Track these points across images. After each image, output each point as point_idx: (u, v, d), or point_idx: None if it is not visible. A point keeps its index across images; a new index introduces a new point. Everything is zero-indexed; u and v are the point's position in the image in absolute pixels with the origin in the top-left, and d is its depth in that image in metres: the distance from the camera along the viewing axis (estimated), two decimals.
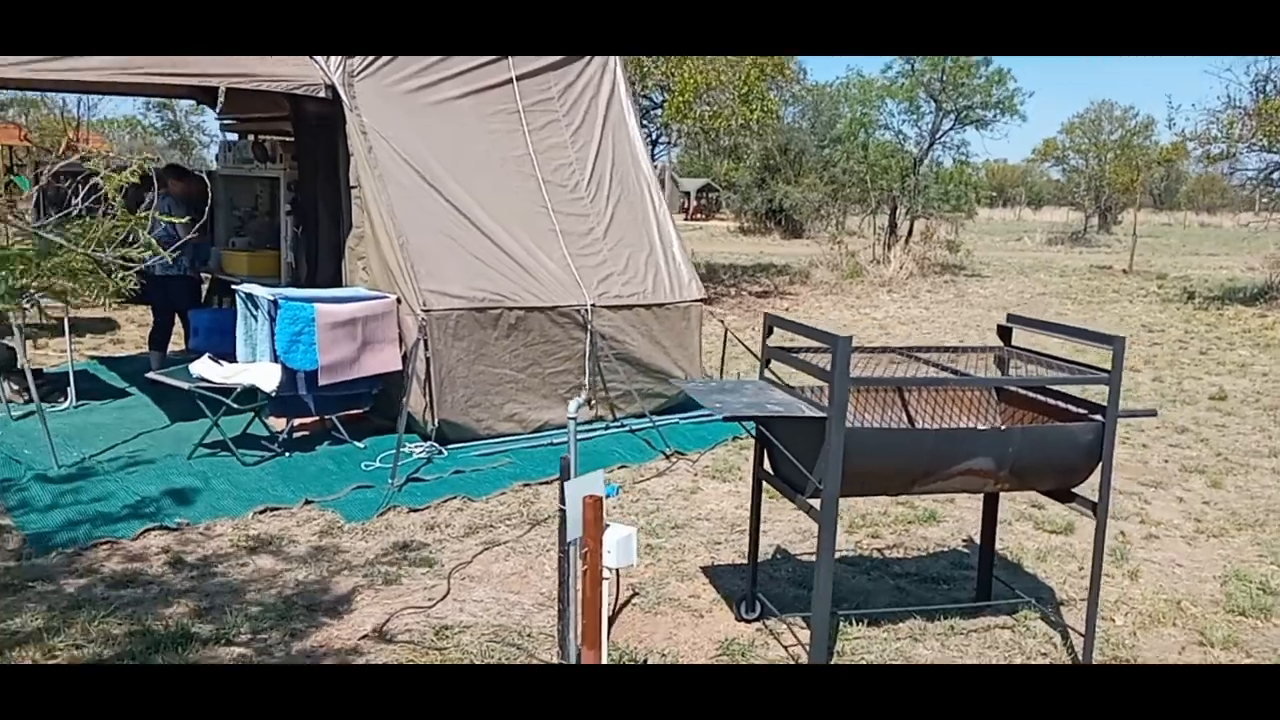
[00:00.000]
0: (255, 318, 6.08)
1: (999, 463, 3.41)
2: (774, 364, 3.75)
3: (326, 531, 4.81)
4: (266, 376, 5.75)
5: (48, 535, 4.58)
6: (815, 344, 3.51)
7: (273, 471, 5.64)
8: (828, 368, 3.20)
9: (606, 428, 6.73)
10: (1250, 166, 18.24)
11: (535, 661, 3.60)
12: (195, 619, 3.80)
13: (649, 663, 3.62)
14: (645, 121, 16.57)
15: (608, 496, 5.45)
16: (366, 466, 5.77)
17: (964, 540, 5.01)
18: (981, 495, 4.27)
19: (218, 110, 8.02)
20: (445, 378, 6.11)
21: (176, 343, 8.18)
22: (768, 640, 3.83)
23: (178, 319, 8.11)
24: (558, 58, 7.15)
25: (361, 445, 6.16)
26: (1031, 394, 3.85)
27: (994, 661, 3.73)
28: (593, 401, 6.23)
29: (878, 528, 5.13)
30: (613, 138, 7.38)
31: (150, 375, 6.30)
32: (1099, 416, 3.49)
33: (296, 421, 6.33)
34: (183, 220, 7.54)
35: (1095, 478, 3.52)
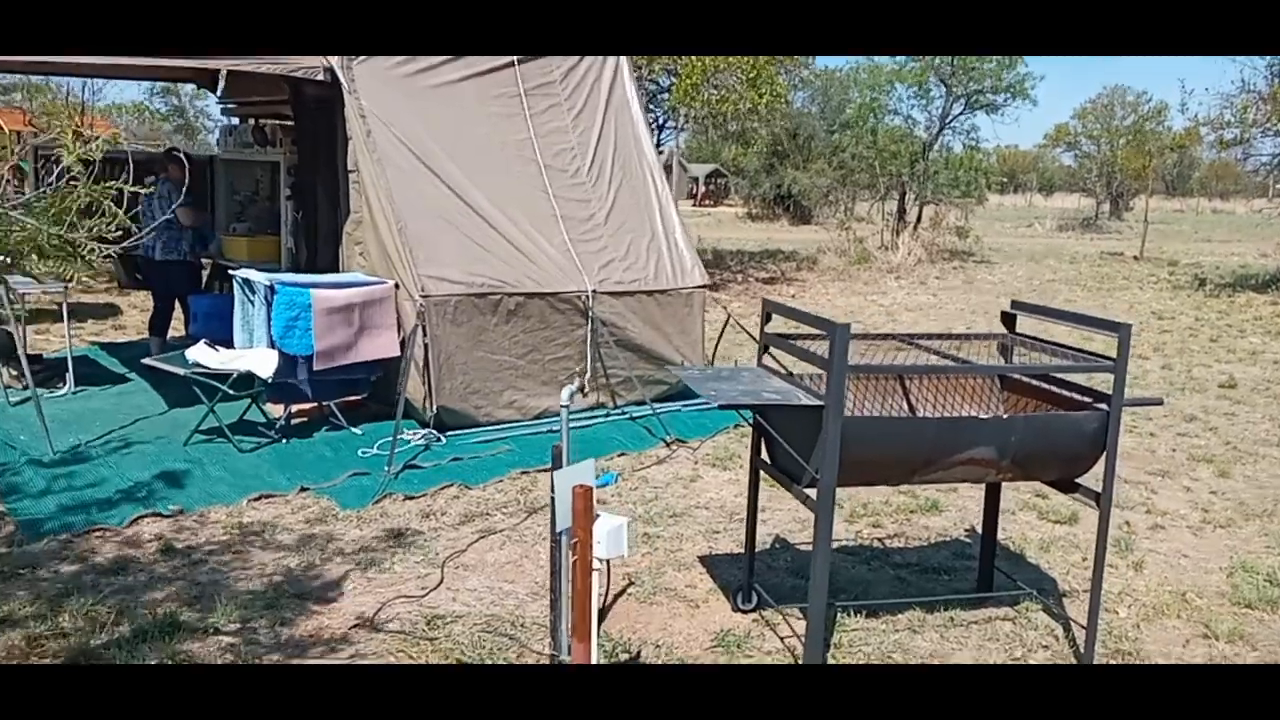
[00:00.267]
0: (252, 303, 6.03)
1: (1001, 452, 3.33)
2: (779, 352, 3.68)
3: (320, 519, 4.77)
4: (263, 362, 5.70)
5: (40, 522, 4.54)
6: (814, 331, 3.44)
7: (269, 458, 5.60)
8: (826, 355, 3.13)
9: (607, 415, 6.67)
10: (1264, 152, 18.05)
11: (527, 652, 3.55)
12: (184, 607, 3.76)
13: (642, 654, 3.56)
14: (652, 105, 16.47)
15: (605, 485, 5.43)
16: (363, 453, 5.72)
17: (966, 530, 4.94)
18: (984, 485, 4.20)
19: (219, 94, 7.96)
20: (444, 364, 6.05)
21: (177, 329, 8.15)
22: (764, 631, 3.77)
23: (178, 305, 8.08)
24: None
25: (359, 432, 6.12)
26: (1035, 382, 3.77)
27: (993, 653, 3.67)
28: (586, 389, 6.16)
29: (879, 517, 5.06)
30: (615, 122, 7.29)
31: (146, 361, 6.26)
32: (1104, 405, 3.41)
33: (294, 408, 6.29)
34: (180, 205, 7.56)
35: (1100, 467, 3.44)
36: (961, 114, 22.04)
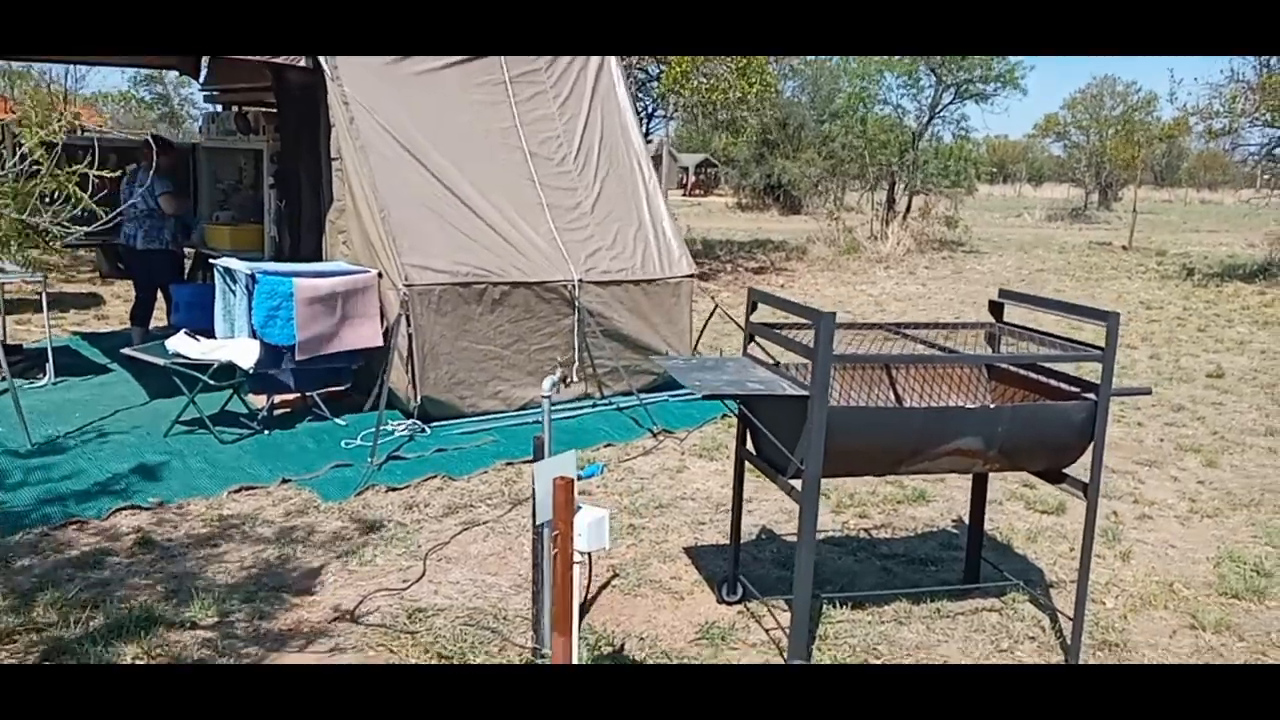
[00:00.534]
0: (234, 292, 5.95)
1: (988, 442, 3.30)
2: (768, 343, 3.63)
3: (302, 511, 4.71)
4: (244, 352, 5.63)
5: (16, 514, 4.47)
6: (800, 320, 3.39)
7: (250, 450, 5.54)
8: (811, 345, 3.09)
9: (594, 406, 6.63)
10: (1252, 142, 18.08)
11: (509, 645, 3.50)
12: (161, 600, 3.71)
13: (625, 647, 3.52)
14: (641, 94, 16.37)
15: (591, 476, 5.39)
16: (347, 445, 5.66)
17: (953, 520, 4.91)
18: (971, 475, 4.17)
19: (201, 80, 7.86)
20: (428, 354, 5.99)
21: (160, 319, 8.06)
22: (749, 624, 3.74)
23: (161, 294, 7.99)
24: None
25: (343, 423, 6.05)
26: (1023, 372, 3.73)
27: (980, 644, 3.64)
28: (569, 379, 6.11)
29: (866, 507, 5.03)
30: (601, 110, 7.22)
31: (125, 351, 6.18)
32: (1092, 395, 3.38)
33: (277, 399, 6.22)
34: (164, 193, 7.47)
35: (1088, 457, 3.41)
36: (951, 103, 22.01)
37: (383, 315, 6.00)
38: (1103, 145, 38.02)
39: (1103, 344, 3.31)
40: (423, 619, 3.69)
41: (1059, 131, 42.90)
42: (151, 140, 8.08)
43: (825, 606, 3.84)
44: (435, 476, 5.23)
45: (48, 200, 2.66)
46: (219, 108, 8.86)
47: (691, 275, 7.10)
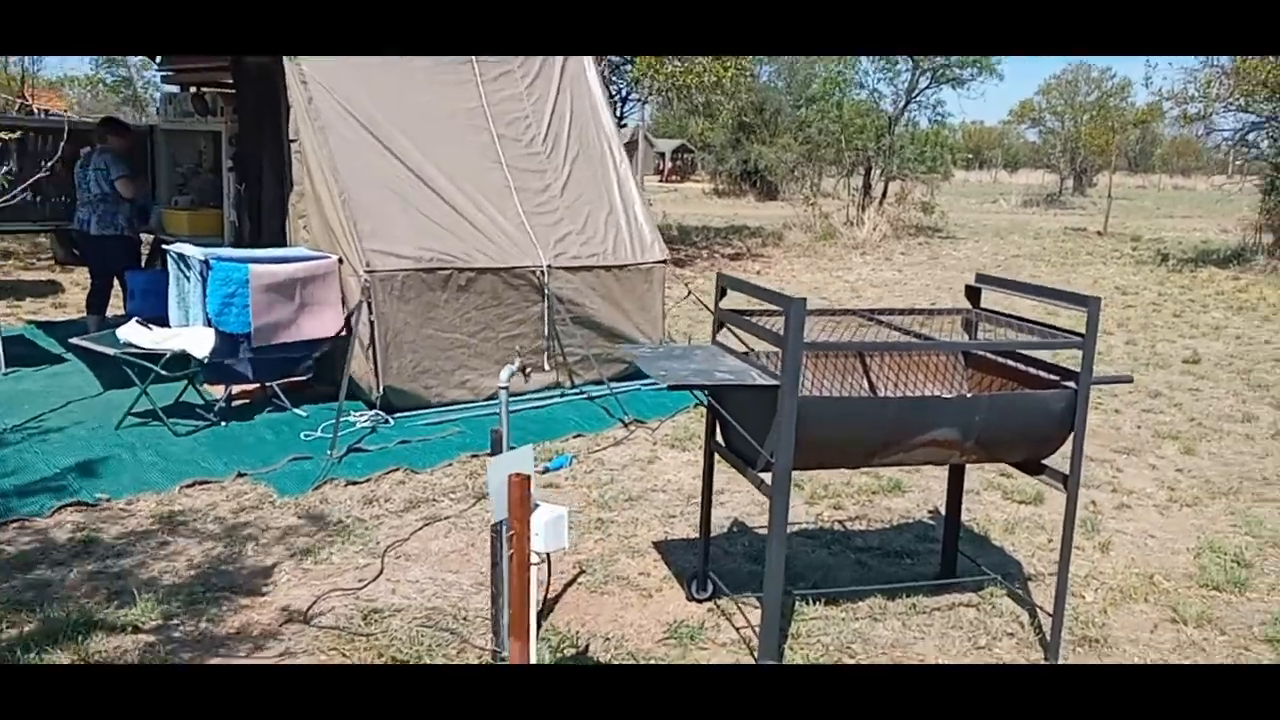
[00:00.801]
0: (188, 279, 5.74)
1: (965, 433, 3.17)
2: (742, 331, 3.48)
3: (256, 506, 4.53)
4: (198, 341, 5.42)
5: None
6: (771, 307, 3.25)
7: (206, 442, 5.34)
8: (781, 332, 2.94)
9: (563, 395, 6.47)
10: (1226, 127, 18.11)
11: (468, 647, 3.35)
12: (102, 603, 3.52)
13: (590, 648, 3.38)
14: (615, 77, 16.16)
15: (559, 468, 5.24)
16: (306, 436, 5.48)
17: (930, 511, 4.79)
18: (948, 466, 4.04)
19: (157, 61, 7.58)
20: (391, 342, 5.80)
21: (118, 307, 7.81)
22: (719, 622, 3.60)
23: (118, 282, 7.74)
24: None
25: (303, 414, 5.86)
26: (1000, 359, 3.61)
27: (956, 641, 3.52)
28: (529, 369, 5.94)
29: (840, 498, 4.91)
30: (571, 91, 7.04)
31: (75, 341, 5.96)
32: (1072, 383, 3.25)
33: (235, 389, 6.02)
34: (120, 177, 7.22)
35: (1067, 447, 3.29)
36: (928, 88, 21.93)
37: (344, 302, 5.81)
38: (1078, 131, 38.15)
39: (1082, 330, 3.19)
40: (378, 620, 3.53)
41: (1034, 117, 43.03)
42: (108, 122, 7.82)
43: (798, 603, 3.71)
44: (397, 469, 5.06)
45: None
46: (176, 88, 8.59)
47: (664, 261, 6.94)
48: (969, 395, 3.36)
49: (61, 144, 5.33)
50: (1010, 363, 3.57)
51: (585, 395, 6.48)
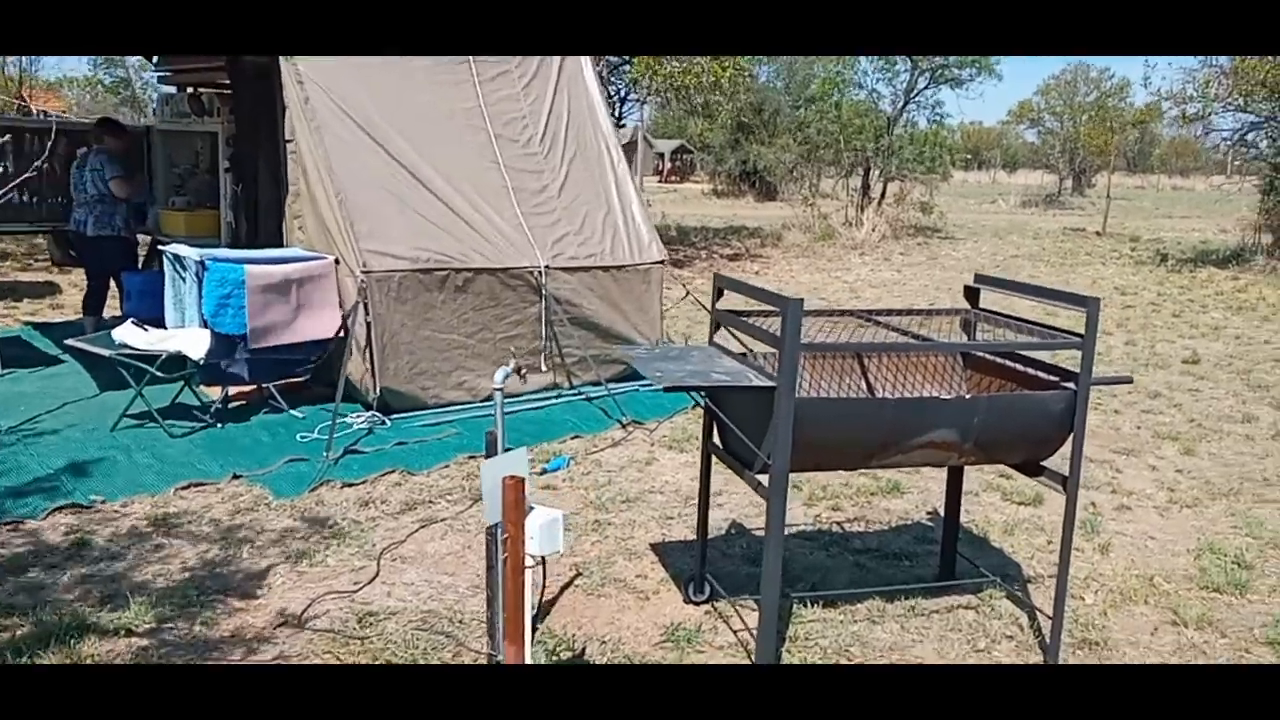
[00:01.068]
0: (184, 280, 5.71)
1: (963, 434, 3.15)
2: (741, 332, 3.46)
3: (251, 509, 4.50)
4: (194, 343, 5.40)
5: None
6: (769, 308, 3.23)
7: (201, 444, 5.32)
8: (778, 333, 2.92)
9: (559, 396, 6.44)
10: (1225, 127, 18.09)
11: (464, 651, 3.32)
12: (95, 606, 3.50)
13: (586, 651, 3.36)
14: (613, 78, 16.14)
15: (557, 469, 5.22)
16: (303, 438, 5.45)
17: (929, 513, 4.77)
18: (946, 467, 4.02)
19: (154, 61, 7.56)
20: (388, 343, 5.78)
21: (115, 308, 7.79)
22: (716, 624, 3.58)
23: (115, 283, 7.72)
24: None
25: (300, 415, 5.84)
26: (999, 360, 3.59)
27: (955, 644, 3.50)
28: (524, 370, 5.91)
29: (839, 500, 4.88)
30: (568, 91, 7.02)
31: (70, 342, 5.93)
32: (1071, 384, 3.23)
33: (233, 390, 6.00)
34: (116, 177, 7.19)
35: (1067, 449, 3.27)
36: (926, 88, 21.90)
37: (341, 303, 5.79)
38: (1076, 131, 38.16)
39: (1081, 331, 3.17)
40: (373, 623, 3.50)
41: (1033, 118, 43.04)
42: (105, 123, 7.80)
43: (796, 606, 3.69)
44: (394, 471, 5.03)
45: None
46: (174, 89, 8.57)
47: (662, 261, 6.92)
48: (967, 396, 3.34)
49: (49, 144, 5.31)
50: (1009, 364, 3.55)
51: (583, 396, 6.45)
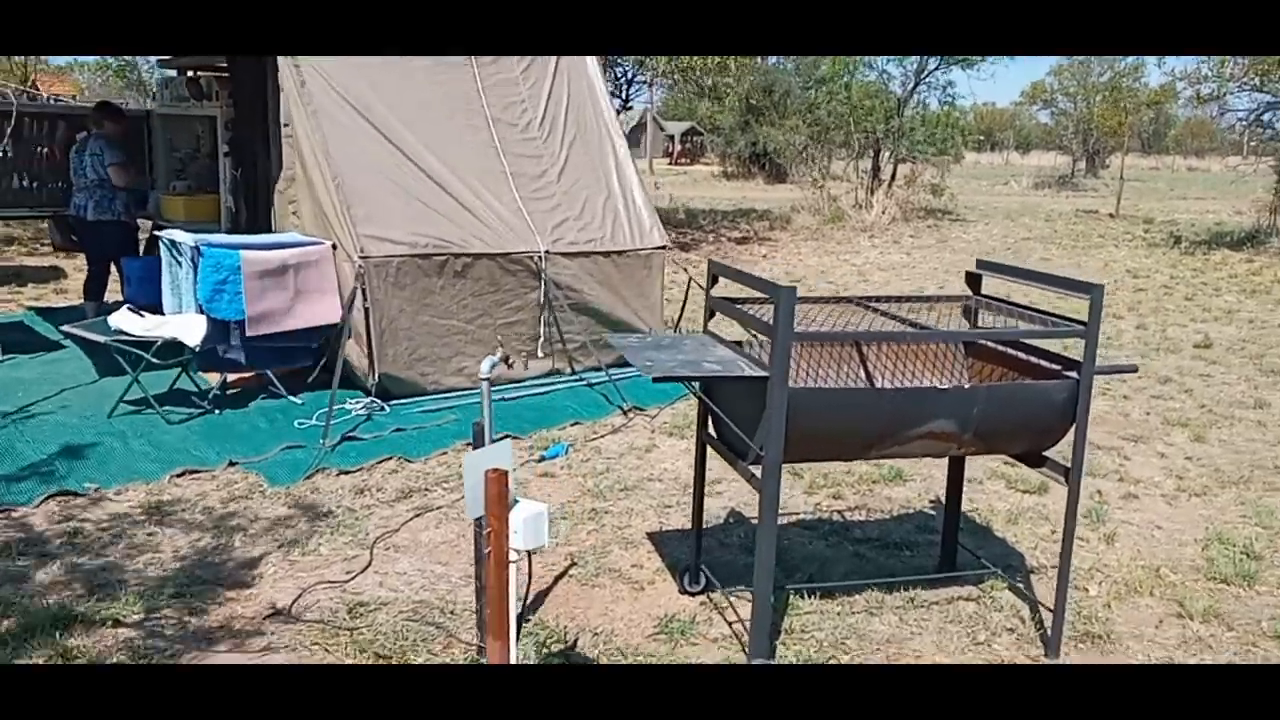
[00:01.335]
0: (180, 265, 5.67)
1: (963, 425, 3.07)
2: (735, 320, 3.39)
3: (246, 496, 4.47)
4: (189, 329, 5.36)
5: None
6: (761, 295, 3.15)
7: (198, 430, 5.28)
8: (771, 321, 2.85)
9: (560, 382, 6.38)
10: (1240, 108, 17.85)
11: (454, 642, 3.28)
12: (84, 596, 3.46)
13: (579, 643, 3.31)
14: (619, 59, 16.00)
15: (556, 456, 5.16)
16: (300, 424, 5.41)
17: (931, 501, 4.70)
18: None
19: None
20: (386, 329, 5.73)
21: (117, 292, 7.76)
22: (711, 616, 3.52)
23: (115, 268, 7.68)
24: None
25: (299, 401, 5.80)
26: (1002, 348, 3.51)
27: (955, 636, 3.43)
28: (510, 360, 5.85)
29: (840, 488, 4.82)
30: (568, 75, 6.92)
31: (65, 329, 5.90)
32: (1074, 373, 3.15)
33: (231, 376, 5.96)
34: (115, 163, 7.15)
35: (1070, 438, 3.19)
36: (937, 69, 21.64)
37: (340, 289, 5.73)
38: (1090, 112, 37.76)
39: (1085, 317, 3.09)
40: (364, 614, 3.46)
41: (1046, 99, 42.60)
42: (104, 107, 7.75)
43: (793, 597, 3.63)
44: (390, 458, 4.99)
45: None
46: (173, 72, 8.50)
47: (663, 246, 6.84)
48: (966, 386, 3.26)
49: (8, 129, 5.29)
50: (1012, 351, 3.47)
51: (585, 382, 6.40)
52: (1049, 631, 3.37)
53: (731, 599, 3.62)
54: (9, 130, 5.62)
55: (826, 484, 4.84)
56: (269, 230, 6.66)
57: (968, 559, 3.95)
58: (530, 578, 3.64)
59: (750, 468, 3.04)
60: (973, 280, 3.70)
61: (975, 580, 3.82)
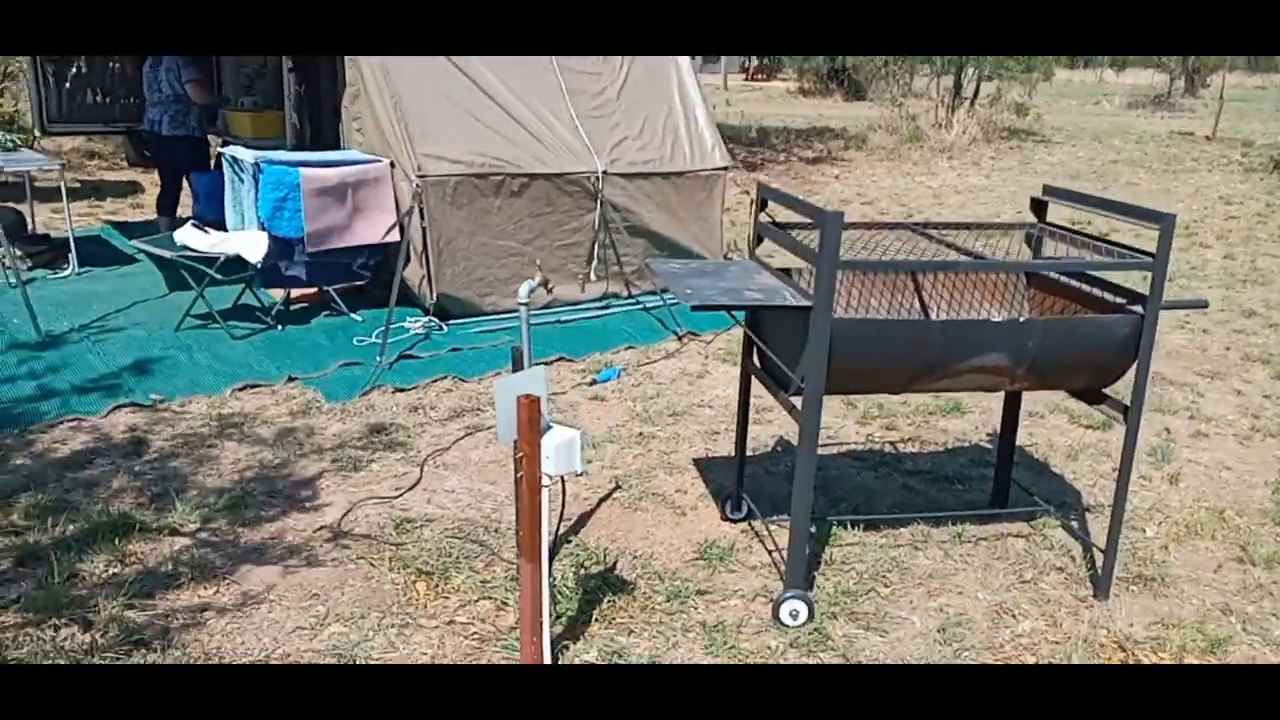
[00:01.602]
0: (242, 182, 5.73)
1: (1016, 359, 2.96)
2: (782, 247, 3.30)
3: (303, 411, 4.57)
4: (252, 245, 5.44)
5: (11, 409, 4.40)
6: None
7: (261, 346, 5.40)
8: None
9: (617, 306, 6.35)
10: None
11: (496, 560, 3.33)
12: (144, 506, 3.60)
13: (618, 565, 3.33)
14: None
15: (607, 380, 5.16)
16: (359, 341, 5.49)
17: (989, 434, 4.59)
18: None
19: None
20: (444, 249, 5.74)
21: (190, 206, 7.91)
22: (751, 544, 3.51)
23: (187, 183, 7.82)
24: None
25: (359, 319, 5.88)
26: (1065, 280, 3.35)
27: (1000, 573, 3.37)
28: (550, 284, 5.81)
29: (895, 418, 4.73)
30: None
31: (135, 243, 6.04)
32: (1139, 307, 3.00)
33: (294, 293, 6.06)
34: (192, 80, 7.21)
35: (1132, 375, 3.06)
36: None
37: (398, 208, 5.74)
38: None
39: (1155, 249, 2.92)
40: (410, 530, 3.54)
41: None
42: None
43: (836, 528, 3.60)
44: (445, 378, 5.04)
45: None
46: None
47: (724, 168, 6.69)
48: (1020, 319, 3.13)
49: None
50: (1075, 284, 3.31)
51: (640, 306, 6.35)
52: (1099, 572, 3.29)
53: (772, 528, 3.60)
54: None
55: (881, 415, 4.76)
56: (334, 147, 6.68)
57: (1021, 496, 3.86)
58: (564, 502, 3.66)
59: (791, 398, 2.98)
60: (1038, 207, 3.53)
61: (1027, 517, 3.74)
